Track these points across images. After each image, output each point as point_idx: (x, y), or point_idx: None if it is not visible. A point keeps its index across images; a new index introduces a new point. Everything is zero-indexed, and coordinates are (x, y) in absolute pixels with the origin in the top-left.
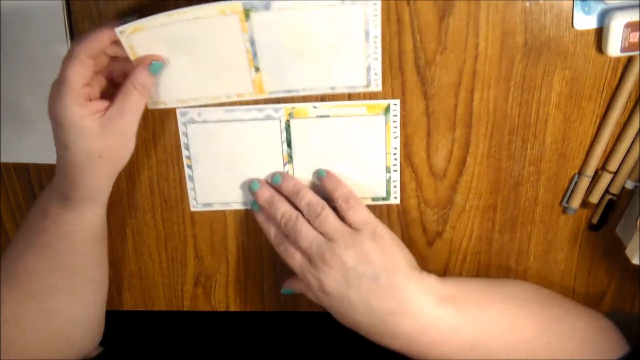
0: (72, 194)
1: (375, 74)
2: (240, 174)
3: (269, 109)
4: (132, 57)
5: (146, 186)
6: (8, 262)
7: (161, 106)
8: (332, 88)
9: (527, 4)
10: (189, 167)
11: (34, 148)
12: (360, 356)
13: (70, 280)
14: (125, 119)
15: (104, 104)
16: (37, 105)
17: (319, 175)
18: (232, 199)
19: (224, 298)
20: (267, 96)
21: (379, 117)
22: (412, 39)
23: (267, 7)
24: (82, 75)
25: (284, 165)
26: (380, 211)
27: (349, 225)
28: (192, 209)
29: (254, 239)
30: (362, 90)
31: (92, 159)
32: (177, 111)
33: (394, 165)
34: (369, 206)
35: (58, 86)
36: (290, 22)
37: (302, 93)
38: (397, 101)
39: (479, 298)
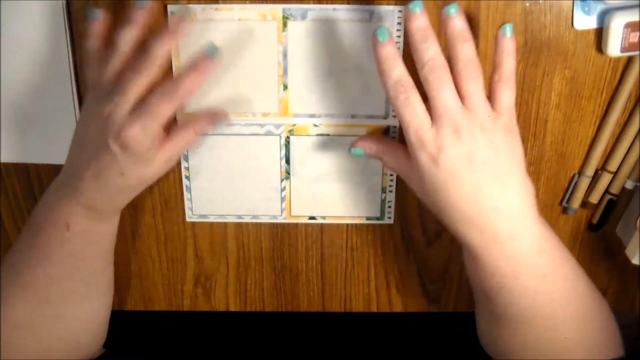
0: (107, 210)
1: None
2: (237, 187)
3: (270, 125)
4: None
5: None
6: (23, 268)
7: (189, 118)
8: (352, 117)
9: (527, 4)
10: (187, 178)
11: (34, 148)
12: (360, 356)
13: (88, 284)
14: (177, 154)
15: (162, 134)
16: (37, 105)
17: (505, 31)
18: (228, 212)
19: (224, 298)
20: (291, 118)
21: None
22: None
23: (303, 17)
24: (169, 115)
25: (281, 181)
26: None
27: (491, 103)
28: (187, 219)
29: (254, 239)
30: (380, 122)
31: (140, 186)
32: (179, 122)
33: (390, 186)
34: (363, 225)
35: (146, 119)
36: (323, 34)
37: (324, 120)
38: (397, 126)
39: (560, 244)
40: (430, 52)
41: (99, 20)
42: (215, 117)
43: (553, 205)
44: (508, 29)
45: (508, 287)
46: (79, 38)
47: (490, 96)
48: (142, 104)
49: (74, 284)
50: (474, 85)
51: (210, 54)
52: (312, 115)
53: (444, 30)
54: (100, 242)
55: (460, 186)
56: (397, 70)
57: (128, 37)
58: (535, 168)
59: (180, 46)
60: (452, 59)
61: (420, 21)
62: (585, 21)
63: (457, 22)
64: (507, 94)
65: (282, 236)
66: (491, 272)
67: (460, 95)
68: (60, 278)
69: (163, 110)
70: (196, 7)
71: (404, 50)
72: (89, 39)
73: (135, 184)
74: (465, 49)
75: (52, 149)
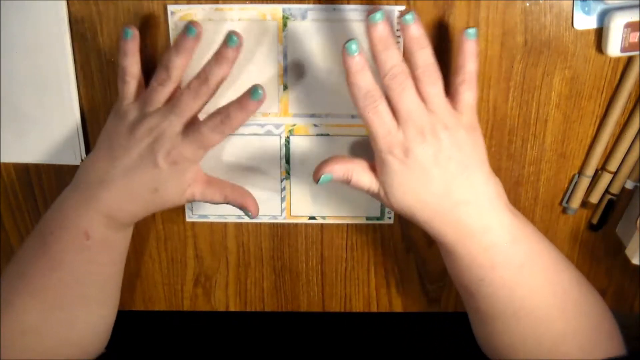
0: (127, 221)
1: None
2: None
3: (270, 125)
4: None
5: None
6: (35, 274)
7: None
8: (352, 117)
9: (527, 4)
10: None
11: (34, 148)
12: (360, 356)
13: (101, 290)
14: (207, 199)
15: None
16: (37, 106)
17: (469, 35)
18: (228, 212)
19: (224, 298)
20: (291, 119)
21: None
22: None
23: (304, 17)
24: (216, 144)
25: (281, 181)
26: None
27: (453, 103)
28: (187, 219)
29: (254, 239)
30: None
31: (167, 204)
32: None
33: None
34: (363, 225)
35: (198, 140)
36: (323, 34)
37: (324, 120)
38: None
39: (537, 234)
40: (392, 60)
41: (133, 37)
42: (248, 202)
43: (553, 205)
44: (472, 33)
45: (487, 280)
46: (79, 38)
47: (453, 97)
48: (192, 125)
49: (87, 290)
50: (434, 88)
51: (232, 44)
52: (312, 115)
53: (402, 36)
54: (116, 249)
55: (430, 184)
56: (366, 82)
57: (179, 64)
58: (535, 168)
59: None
60: (411, 65)
61: (381, 30)
62: (585, 21)
63: (414, 29)
64: (468, 94)
65: (282, 236)
66: (468, 265)
67: (422, 99)
68: (74, 284)
69: (213, 138)
70: (196, 7)
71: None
72: (126, 56)
73: (162, 202)
74: (424, 55)
75: (52, 149)
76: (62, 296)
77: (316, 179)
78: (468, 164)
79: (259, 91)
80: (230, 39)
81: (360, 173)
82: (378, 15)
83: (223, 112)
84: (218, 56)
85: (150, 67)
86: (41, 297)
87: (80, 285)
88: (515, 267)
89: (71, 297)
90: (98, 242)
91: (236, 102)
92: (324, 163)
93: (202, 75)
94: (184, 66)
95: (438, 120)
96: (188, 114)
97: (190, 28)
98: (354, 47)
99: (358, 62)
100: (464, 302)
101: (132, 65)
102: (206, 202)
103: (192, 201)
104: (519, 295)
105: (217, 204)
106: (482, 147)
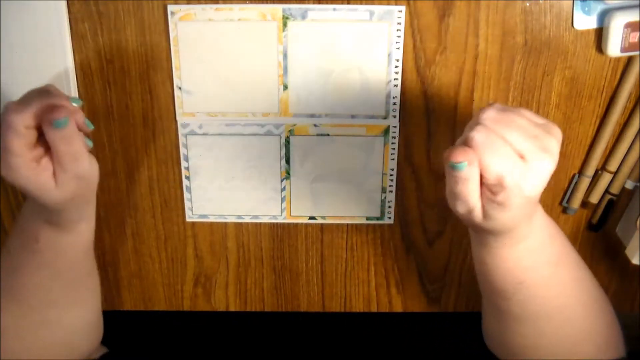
0: (62, 221)
1: (395, 103)
2: (237, 187)
3: (270, 125)
4: (172, 46)
5: (146, 186)
6: (6, 277)
7: (189, 118)
8: (352, 117)
9: (527, 4)
10: (187, 178)
11: None
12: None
13: (68, 293)
14: (73, 169)
15: (46, 155)
16: None
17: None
18: (228, 212)
19: (224, 298)
20: (291, 119)
21: (378, 138)
22: (412, 39)
23: (303, 17)
24: (21, 146)
25: (281, 181)
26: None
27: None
28: (187, 219)
29: (254, 239)
30: (380, 122)
31: (67, 201)
32: (178, 122)
33: (390, 186)
34: (363, 225)
35: (5, 159)
36: (323, 35)
37: (324, 120)
38: (397, 124)
39: (560, 230)
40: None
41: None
42: (49, 119)
43: (553, 205)
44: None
45: (527, 282)
46: (79, 38)
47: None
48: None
49: (53, 294)
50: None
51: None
52: (312, 115)
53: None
54: (70, 252)
55: (519, 213)
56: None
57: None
58: None
59: (180, 46)
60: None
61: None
62: (585, 21)
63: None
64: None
65: (282, 236)
66: (511, 267)
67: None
68: (38, 288)
69: (10, 141)
70: (196, 7)
71: (403, 59)
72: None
73: (57, 205)
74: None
75: None
76: (29, 299)
77: (452, 164)
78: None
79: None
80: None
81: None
82: (462, 167)
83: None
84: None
85: (150, 67)
86: (14, 299)
87: (45, 290)
88: (552, 265)
89: (38, 300)
90: (47, 245)
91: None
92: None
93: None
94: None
95: (534, 168)
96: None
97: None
98: (461, 165)
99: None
100: (488, 305)
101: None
102: (70, 158)
103: (84, 172)
104: (553, 294)
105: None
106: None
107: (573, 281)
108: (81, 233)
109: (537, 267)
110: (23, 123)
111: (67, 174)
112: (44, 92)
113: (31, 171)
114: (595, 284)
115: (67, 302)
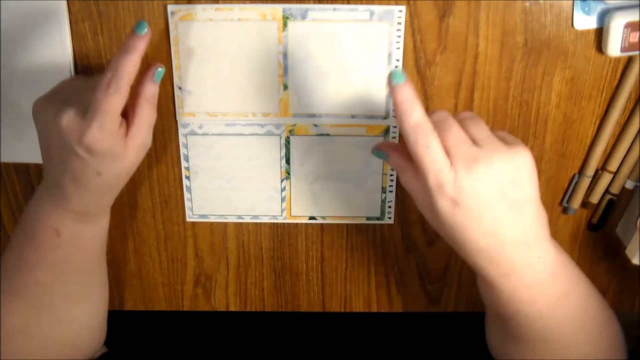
0: (93, 211)
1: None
2: (237, 187)
3: (270, 125)
4: (172, 46)
5: (146, 186)
6: (14, 275)
7: (189, 118)
8: (352, 117)
9: (527, 4)
10: (187, 178)
11: (34, 148)
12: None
13: (81, 287)
14: (145, 135)
15: (124, 123)
16: None
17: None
18: (228, 212)
19: (224, 298)
20: (291, 119)
21: (378, 138)
22: (412, 39)
23: (304, 17)
24: (121, 105)
25: (281, 181)
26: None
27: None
28: (187, 219)
29: (254, 239)
30: (380, 122)
31: (121, 180)
32: (179, 122)
33: (390, 186)
34: (363, 225)
35: (99, 117)
36: (323, 35)
37: (324, 120)
38: (397, 126)
39: (571, 264)
40: (414, 117)
41: (147, 34)
42: (150, 71)
43: (553, 205)
44: (398, 74)
45: (523, 312)
46: (79, 38)
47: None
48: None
49: (67, 288)
50: (475, 125)
51: (139, 31)
52: (312, 115)
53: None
54: (90, 244)
55: (479, 225)
56: (415, 115)
57: (128, 65)
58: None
59: (180, 46)
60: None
61: (406, 93)
62: (585, 21)
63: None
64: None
65: (282, 236)
66: (507, 298)
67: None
68: (53, 283)
69: (112, 103)
70: (196, 7)
71: (403, 59)
72: (128, 54)
73: (114, 180)
74: (440, 114)
75: None
76: (42, 296)
77: (373, 150)
78: (522, 202)
79: (143, 23)
80: (139, 26)
81: (410, 180)
82: (401, 78)
83: (111, 66)
84: (126, 47)
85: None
86: (23, 297)
87: (59, 284)
88: (553, 300)
89: (51, 296)
90: (70, 239)
91: (120, 49)
92: (387, 144)
93: (112, 69)
94: (134, 68)
95: (485, 152)
96: (104, 114)
97: (140, 24)
98: (401, 76)
99: (405, 92)
100: (490, 319)
101: (134, 68)
102: (150, 130)
103: (146, 149)
104: (553, 324)
105: (153, 116)
106: (536, 179)
107: (577, 313)
108: (103, 225)
109: (536, 302)
110: (129, 80)
111: (134, 141)
112: (124, 55)
113: (116, 135)
114: (601, 309)
115: (80, 296)
